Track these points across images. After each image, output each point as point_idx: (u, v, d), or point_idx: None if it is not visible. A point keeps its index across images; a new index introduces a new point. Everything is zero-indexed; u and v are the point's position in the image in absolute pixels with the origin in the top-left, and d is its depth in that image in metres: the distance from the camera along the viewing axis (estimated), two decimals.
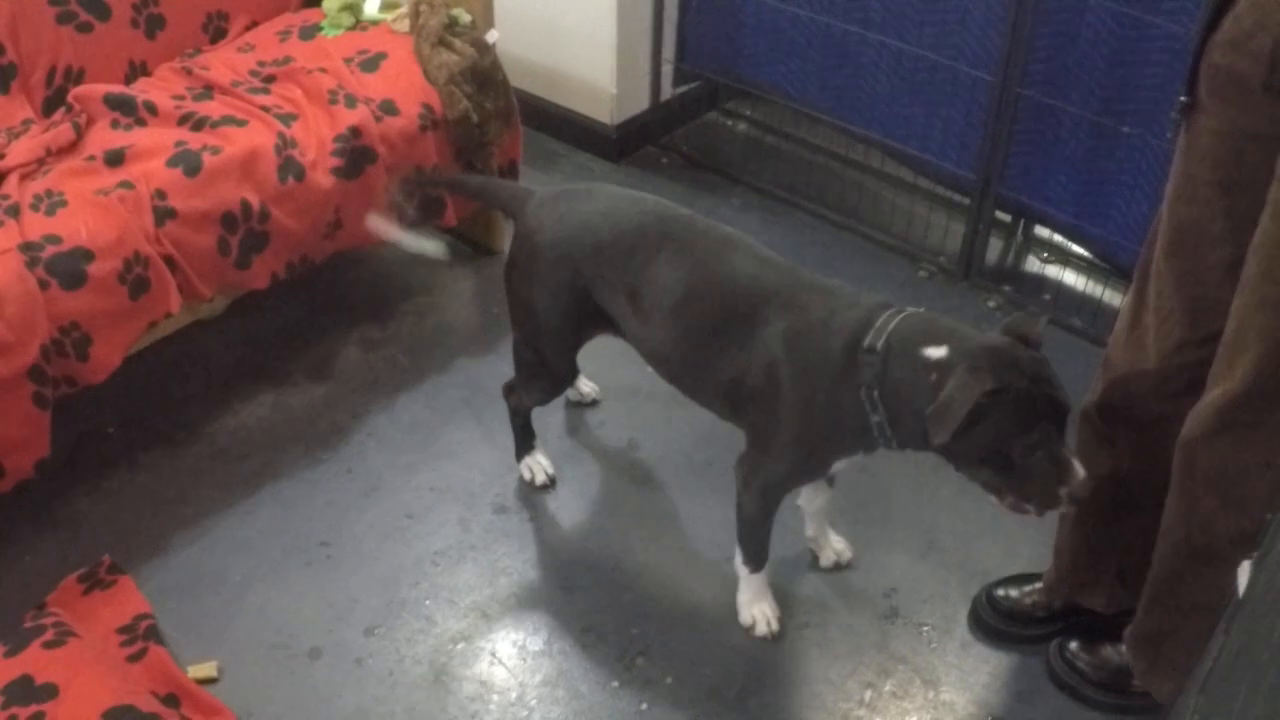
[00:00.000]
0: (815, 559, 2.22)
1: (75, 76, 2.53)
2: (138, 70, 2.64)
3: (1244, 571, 1.20)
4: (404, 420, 2.52)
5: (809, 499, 2.16)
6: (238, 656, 2.03)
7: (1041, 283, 2.98)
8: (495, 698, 1.99)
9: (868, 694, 2.01)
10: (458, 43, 2.62)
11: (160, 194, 2.20)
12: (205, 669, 2.00)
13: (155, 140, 2.31)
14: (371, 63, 2.60)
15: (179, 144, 2.30)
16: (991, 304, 2.90)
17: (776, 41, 3.10)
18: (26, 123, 2.43)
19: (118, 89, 2.45)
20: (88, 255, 2.10)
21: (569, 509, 2.34)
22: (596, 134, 3.37)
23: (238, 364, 2.64)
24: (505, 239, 2.85)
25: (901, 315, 1.72)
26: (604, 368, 2.53)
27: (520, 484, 2.37)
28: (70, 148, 2.32)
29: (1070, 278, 2.94)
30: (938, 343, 1.66)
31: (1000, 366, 1.59)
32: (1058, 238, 2.98)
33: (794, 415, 1.80)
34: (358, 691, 1.99)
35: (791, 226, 3.16)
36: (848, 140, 3.17)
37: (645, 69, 3.31)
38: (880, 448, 1.77)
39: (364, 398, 2.57)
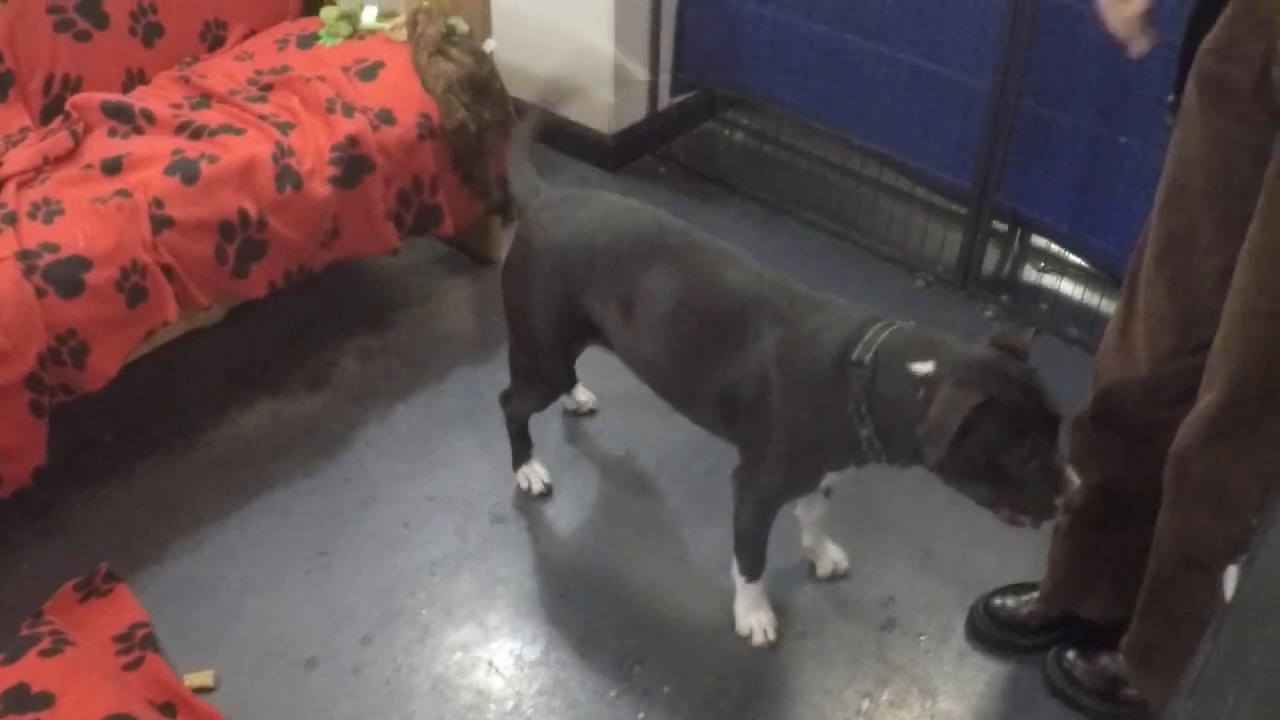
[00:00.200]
0: (813, 569, 2.22)
1: (73, 84, 2.54)
2: (135, 78, 2.65)
3: (1231, 576, 1.20)
4: (402, 429, 2.52)
5: (806, 509, 2.16)
6: (234, 665, 2.03)
7: (1039, 292, 2.98)
8: (492, 707, 1.99)
9: (865, 703, 2.01)
10: (455, 52, 2.63)
11: (158, 202, 2.20)
12: (202, 677, 1.99)
13: (153, 149, 2.32)
14: (369, 72, 2.61)
15: (176, 152, 2.30)
16: (989, 313, 2.90)
17: (774, 51, 3.10)
18: (24, 131, 2.43)
19: (115, 97, 2.45)
20: (85, 263, 2.10)
21: (566, 518, 2.34)
22: (594, 143, 3.37)
23: (235, 373, 2.64)
24: (502, 247, 2.85)
25: (890, 329, 1.72)
26: (601, 377, 2.52)
27: (518, 493, 2.37)
28: (68, 156, 2.33)
29: (1067, 287, 2.94)
30: (924, 357, 1.66)
31: (988, 379, 1.59)
32: (1055, 247, 2.98)
33: (784, 428, 1.80)
34: (354, 701, 1.99)
35: (789, 236, 3.16)
36: (845, 150, 3.17)
37: (643, 78, 3.32)
38: (871, 462, 1.77)
39: (361, 407, 2.57)
